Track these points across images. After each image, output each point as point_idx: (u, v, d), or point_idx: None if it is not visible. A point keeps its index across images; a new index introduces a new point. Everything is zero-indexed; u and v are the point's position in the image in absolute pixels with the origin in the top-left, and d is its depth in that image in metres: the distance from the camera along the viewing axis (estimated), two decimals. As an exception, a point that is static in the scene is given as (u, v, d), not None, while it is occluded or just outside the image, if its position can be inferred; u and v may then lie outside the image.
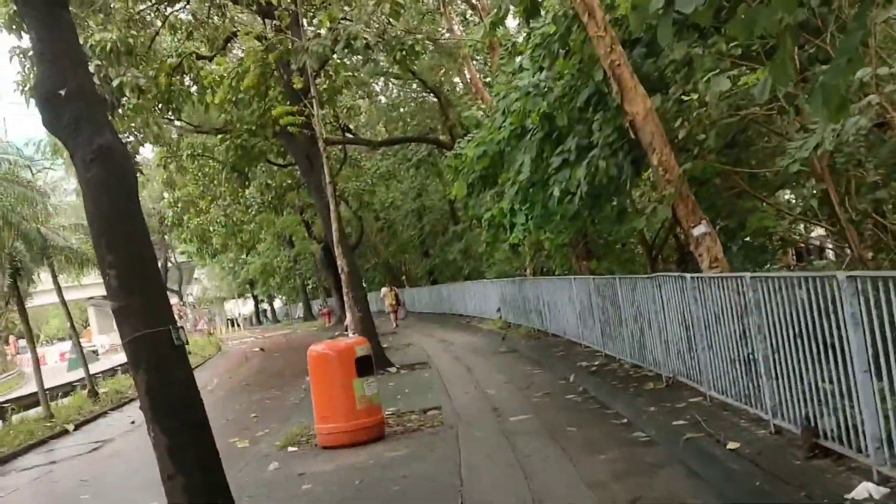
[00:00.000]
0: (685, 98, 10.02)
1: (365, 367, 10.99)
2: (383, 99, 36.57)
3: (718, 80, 9.47)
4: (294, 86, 16.98)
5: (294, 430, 12.21)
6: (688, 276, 9.48)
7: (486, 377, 15.68)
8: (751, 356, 7.66)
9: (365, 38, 17.14)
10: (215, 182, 32.99)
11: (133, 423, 17.21)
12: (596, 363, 13.88)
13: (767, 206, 12.20)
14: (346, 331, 12.79)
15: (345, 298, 13.07)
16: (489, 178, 17.00)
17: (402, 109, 35.71)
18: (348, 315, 12.73)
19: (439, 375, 16.86)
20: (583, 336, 16.12)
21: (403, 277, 54.33)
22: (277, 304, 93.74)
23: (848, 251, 14.14)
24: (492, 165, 15.73)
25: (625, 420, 9.91)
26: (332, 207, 14.27)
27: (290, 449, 11.18)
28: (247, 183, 32.77)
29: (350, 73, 21.51)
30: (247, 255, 62.64)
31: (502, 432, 10.21)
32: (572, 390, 12.72)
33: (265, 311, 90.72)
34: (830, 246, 16.12)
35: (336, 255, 13.83)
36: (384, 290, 39.67)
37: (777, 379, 7.16)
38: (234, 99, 20.15)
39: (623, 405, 10.43)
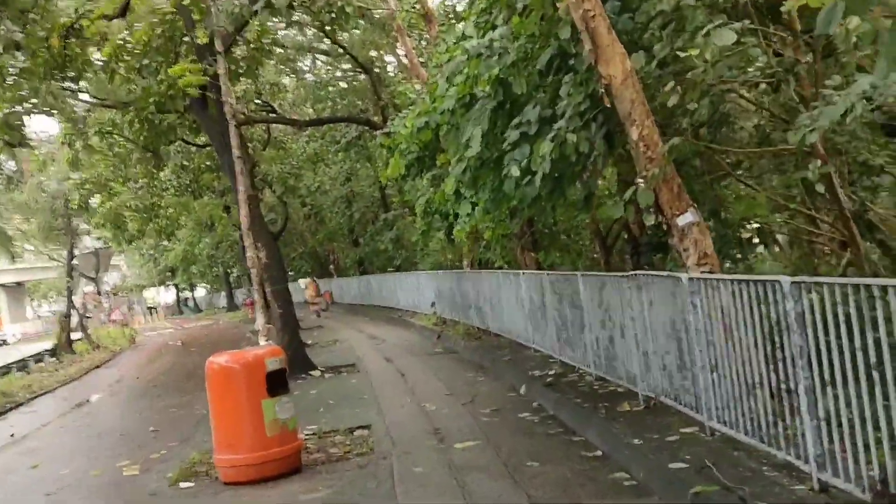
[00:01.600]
0: (681, 54, 8.15)
1: (278, 383, 8.90)
2: (311, 77, 34.16)
3: (721, 32, 7.64)
4: (199, 40, 14.67)
5: (194, 455, 10.07)
6: (683, 276, 7.62)
7: (423, 385, 13.70)
8: (785, 386, 5.82)
9: (287, -4, 14.98)
10: (127, 163, 30.26)
11: (12, 436, 14.76)
12: (551, 372, 12.02)
13: (758, 192, 10.48)
14: (257, 335, 10.62)
15: (255, 294, 10.85)
16: (426, 160, 15.03)
17: (330, 88, 33.38)
18: (258, 317, 10.58)
19: (369, 381, 14.83)
20: (533, 339, 14.25)
21: (332, 267, 52.03)
22: (201, 292, 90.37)
23: (822, 243, 12.62)
24: (433, 142, 13.77)
25: (599, 453, 8.01)
26: (240, 188, 12.07)
27: (184, 485, 9.00)
28: (162, 164, 30.12)
29: (271, 41, 19.21)
30: (167, 242, 59.63)
31: (448, 466, 8.21)
32: (526, 406, 10.81)
33: (187, 300, 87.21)
34: (782, 235, 14.53)
35: (245, 244, 11.59)
36: (305, 281, 38.87)
37: (827, 420, 5.33)
38: (137, 66, 17.72)
39: (594, 431, 8.54)
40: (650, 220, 9.94)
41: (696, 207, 8.87)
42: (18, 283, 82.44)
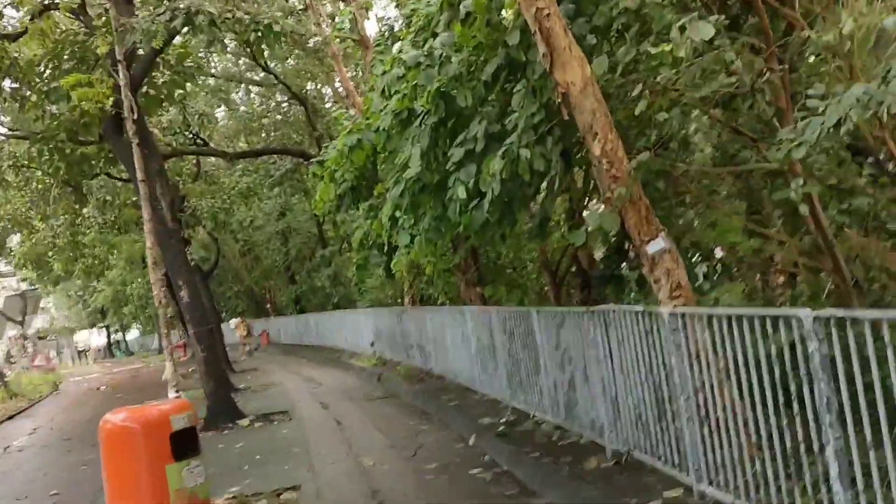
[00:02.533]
0: (651, 49, 7.10)
1: (186, 444, 7.54)
2: (244, 108, 32.83)
3: (698, 25, 6.63)
4: (98, 50, 13.29)
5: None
6: (664, 311, 6.50)
7: (362, 435, 12.37)
8: (804, 446, 4.69)
9: (210, 12, 13.72)
10: (46, 198, 28.46)
11: None
12: (503, 420, 10.78)
13: (729, 218, 9.45)
14: (170, 384, 9.24)
15: (162, 338, 9.48)
16: (363, 189, 13.81)
17: (264, 120, 32.08)
18: (167, 365, 9.22)
19: (302, 431, 13.44)
20: (480, 381, 13.03)
21: (269, 306, 50.29)
22: (134, 334, 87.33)
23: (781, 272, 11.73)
24: (369, 171, 12.60)
25: (568, 524, 6.81)
26: (144, 215, 10.72)
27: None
28: (84, 200, 28.39)
29: (195, 64, 17.86)
30: (97, 282, 57.38)
31: (388, 542, 6.94)
32: (476, 460, 9.57)
33: (119, 342, 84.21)
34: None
35: (151, 280, 10.21)
36: (235, 321, 38.00)
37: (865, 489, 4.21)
38: (45, 90, 16.24)
39: (559, 494, 7.32)
40: (599, 250, 8.93)
41: (668, 232, 7.81)
42: None
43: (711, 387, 5.97)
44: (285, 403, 17.46)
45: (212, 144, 31.34)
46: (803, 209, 7.76)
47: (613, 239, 11.71)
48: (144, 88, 17.33)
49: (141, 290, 54.31)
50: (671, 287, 7.43)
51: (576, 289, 16.50)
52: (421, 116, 9.31)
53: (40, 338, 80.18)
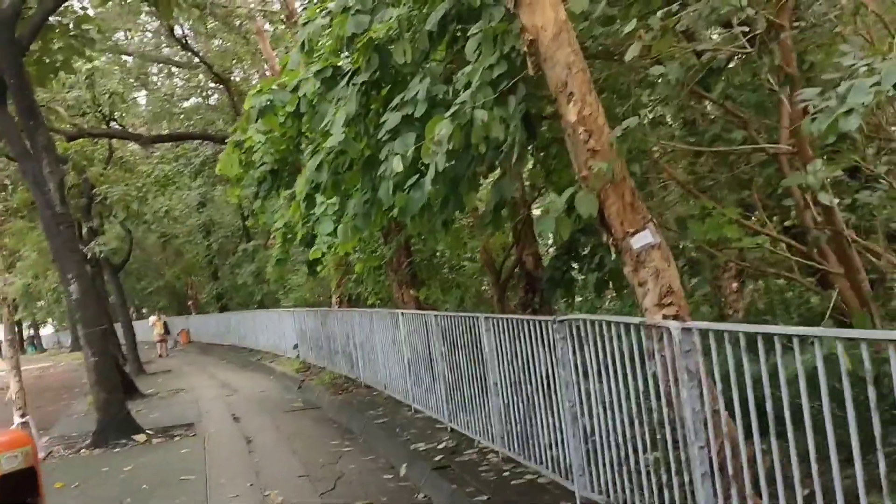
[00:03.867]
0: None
1: (21, 488, 5.62)
2: (164, 91, 30.45)
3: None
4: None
5: None
6: (673, 326, 4.82)
7: (272, 459, 10.50)
8: None
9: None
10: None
11: None
12: (440, 445, 9.03)
13: (721, 209, 7.86)
14: (15, 407, 7.25)
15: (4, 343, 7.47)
16: (284, 174, 11.94)
17: (185, 104, 29.78)
18: (11, 383, 7.20)
19: (204, 452, 11.50)
20: (413, 396, 11.25)
21: (190, 303, 47.70)
22: (50, 330, 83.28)
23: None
24: (292, 153, 10.76)
25: None
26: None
27: None
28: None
29: (94, 27, 15.64)
30: (7, 274, 53.86)
31: None
32: (408, 499, 7.81)
33: (32, 338, 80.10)
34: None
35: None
36: (153, 318, 36.58)
37: None
38: None
39: (517, 560, 5.61)
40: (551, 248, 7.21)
41: (657, 224, 6.17)
42: None
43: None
44: (193, 414, 15.47)
45: (128, 129, 28.96)
46: (826, 198, 6.16)
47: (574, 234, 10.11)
48: (36, 55, 15.16)
49: (55, 284, 51.17)
50: (661, 292, 5.81)
51: (518, 291, 14.91)
52: (348, 75, 7.50)
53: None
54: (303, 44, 7.88)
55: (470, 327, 8.45)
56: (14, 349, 7.27)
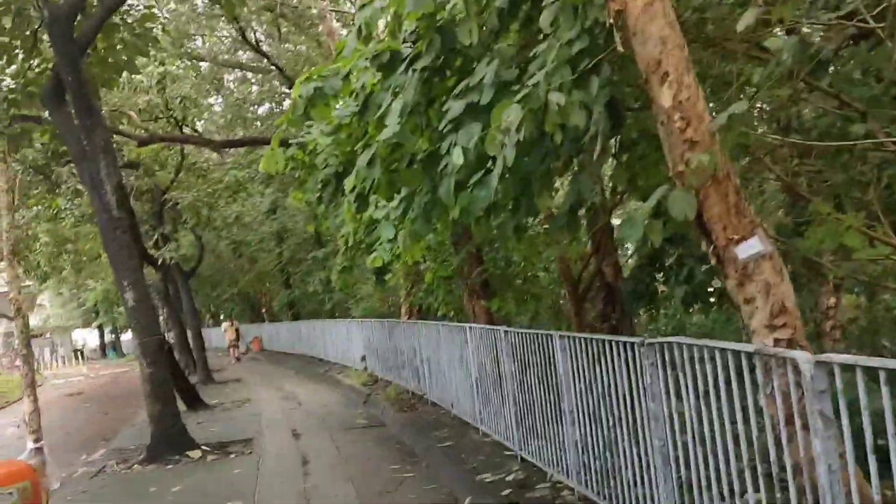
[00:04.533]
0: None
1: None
2: (237, 95, 30.14)
3: None
4: None
5: None
6: (801, 358, 3.81)
7: (327, 484, 9.68)
8: None
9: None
10: (14, 187, 25.80)
11: None
12: (509, 477, 8.09)
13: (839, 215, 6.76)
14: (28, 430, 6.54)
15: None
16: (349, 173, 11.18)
17: (260, 109, 29.44)
18: (25, 401, 6.24)
19: (257, 474, 10.75)
20: (481, 417, 10.33)
21: (264, 311, 47.60)
22: (129, 335, 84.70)
23: None
24: (354, 137, 9.95)
25: None
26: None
27: None
28: (56, 188, 25.78)
29: (161, 27, 15.19)
30: (91, 280, 54.73)
31: None
32: (471, 541, 6.90)
33: (113, 343, 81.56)
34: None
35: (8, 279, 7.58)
36: (225, 324, 37.03)
37: None
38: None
39: None
40: (628, 258, 6.21)
41: (766, 230, 5.17)
42: None
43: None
44: (253, 428, 14.81)
45: (203, 135, 28.72)
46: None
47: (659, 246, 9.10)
48: (100, 54, 14.75)
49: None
50: (772, 311, 4.84)
51: (596, 304, 13.88)
52: (408, 61, 6.64)
53: (34, 336, 77.79)
54: (359, 29, 7.06)
55: (543, 345, 7.49)
56: (28, 364, 6.59)
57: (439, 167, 6.11)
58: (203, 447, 12.78)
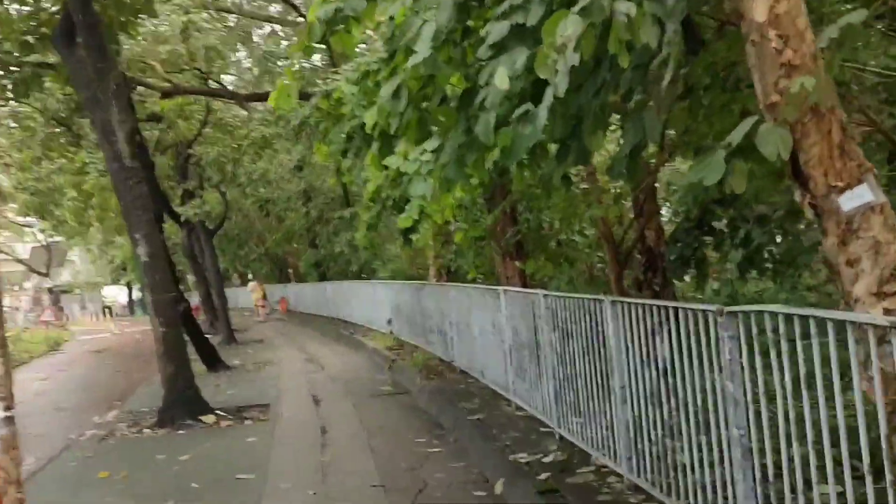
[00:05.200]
0: None
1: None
2: (263, 47, 29.16)
3: None
4: None
5: None
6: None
7: (346, 457, 8.89)
8: None
9: None
10: (35, 138, 25.12)
11: None
12: (546, 458, 7.24)
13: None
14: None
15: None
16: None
17: (286, 61, 28.38)
18: None
19: (272, 443, 9.99)
20: (515, 389, 9.47)
21: (290, 271, 46.97)
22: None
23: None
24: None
25: None
26: None
27: None
28: (79, 140, 25.05)
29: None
30: (119, 236, 54.37)
31: None
32: (505, 529, 6.07)
33: (140, 300, 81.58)
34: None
35: None
36: (252, 283, 37.23)
37: None
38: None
39: None
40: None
41: (877, 175, 4.23)
42: (-34, 276, 76.30)
43: None
44: (272, 392, 14.10)
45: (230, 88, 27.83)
46: None
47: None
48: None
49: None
50: (882, 276, 3.94)
51: (635, 271, 12.95)
52: (443, -21, 5.68)
53: (64, 292, 78.15)
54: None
55: (590, 312, 6.58)
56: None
57: (476, 97, 5.18)
58: (217, 412, 12.05)
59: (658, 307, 5.31)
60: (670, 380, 5.15)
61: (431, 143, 6.46)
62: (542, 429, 8.22)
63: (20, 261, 71.99)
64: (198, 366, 18.61)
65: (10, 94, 14.67)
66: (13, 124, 25.71)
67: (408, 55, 5.43)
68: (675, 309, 5.01)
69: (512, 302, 9.30)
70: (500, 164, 5.33)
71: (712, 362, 4.55)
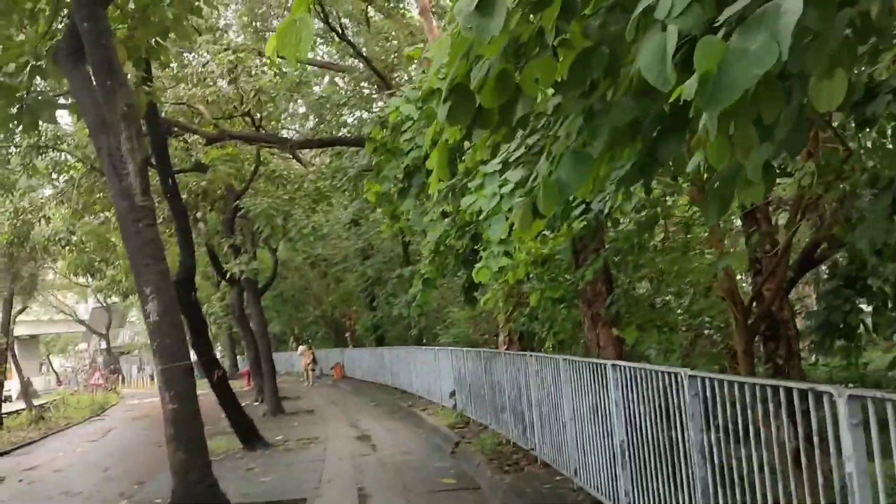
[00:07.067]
0: None
1: None
2: (317, 90, 27.27)
3: None
4: None
5: None
6: None
7: None
8: None
9: None
10: (79, 189, 23.43)
11: None
12: None
13: None
14: None
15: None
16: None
17: (344, 111, 26.53)
18: None
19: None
20: (630, 501, 6.86)
21: (348, 334, 44.71)
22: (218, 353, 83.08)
23: None
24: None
25: None
26: None
27: None
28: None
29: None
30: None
31: None
32: None
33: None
34: None
35: None
36: (302, 348, 36.54)
37: None
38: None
39: None
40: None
41: None
42: (32, 336, 75.52)
43: None
44: (311, 482, 11.67)
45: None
46: None
47: None
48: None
49: (212, 308, 48.97)
50: None
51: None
52: None
53: (123, 353, 77.21)
54: None
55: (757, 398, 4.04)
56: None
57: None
58: (237, 509, 9.65)
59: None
60: None
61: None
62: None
63: (81, 321, 71.24)
64: (233, 441, 16.33)
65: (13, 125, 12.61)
66: (55, 175, 24.22)
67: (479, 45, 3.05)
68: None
69: (627, 379, 6.76)
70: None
71: None
